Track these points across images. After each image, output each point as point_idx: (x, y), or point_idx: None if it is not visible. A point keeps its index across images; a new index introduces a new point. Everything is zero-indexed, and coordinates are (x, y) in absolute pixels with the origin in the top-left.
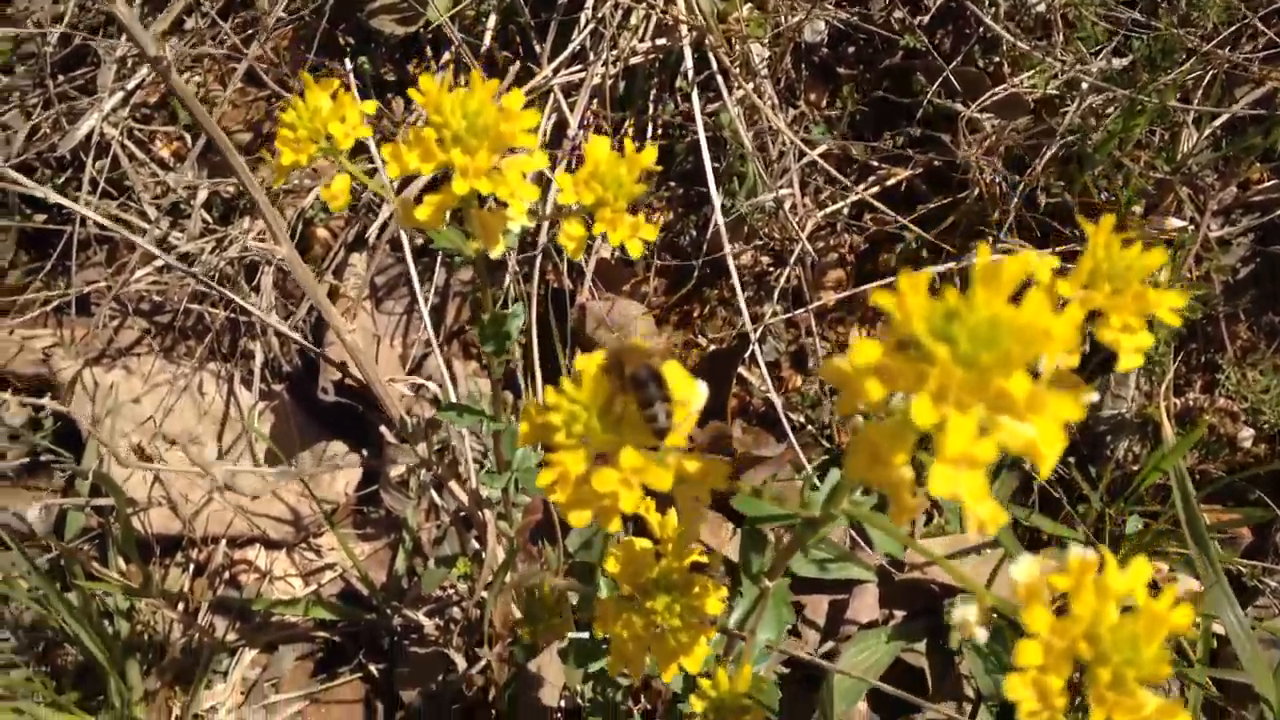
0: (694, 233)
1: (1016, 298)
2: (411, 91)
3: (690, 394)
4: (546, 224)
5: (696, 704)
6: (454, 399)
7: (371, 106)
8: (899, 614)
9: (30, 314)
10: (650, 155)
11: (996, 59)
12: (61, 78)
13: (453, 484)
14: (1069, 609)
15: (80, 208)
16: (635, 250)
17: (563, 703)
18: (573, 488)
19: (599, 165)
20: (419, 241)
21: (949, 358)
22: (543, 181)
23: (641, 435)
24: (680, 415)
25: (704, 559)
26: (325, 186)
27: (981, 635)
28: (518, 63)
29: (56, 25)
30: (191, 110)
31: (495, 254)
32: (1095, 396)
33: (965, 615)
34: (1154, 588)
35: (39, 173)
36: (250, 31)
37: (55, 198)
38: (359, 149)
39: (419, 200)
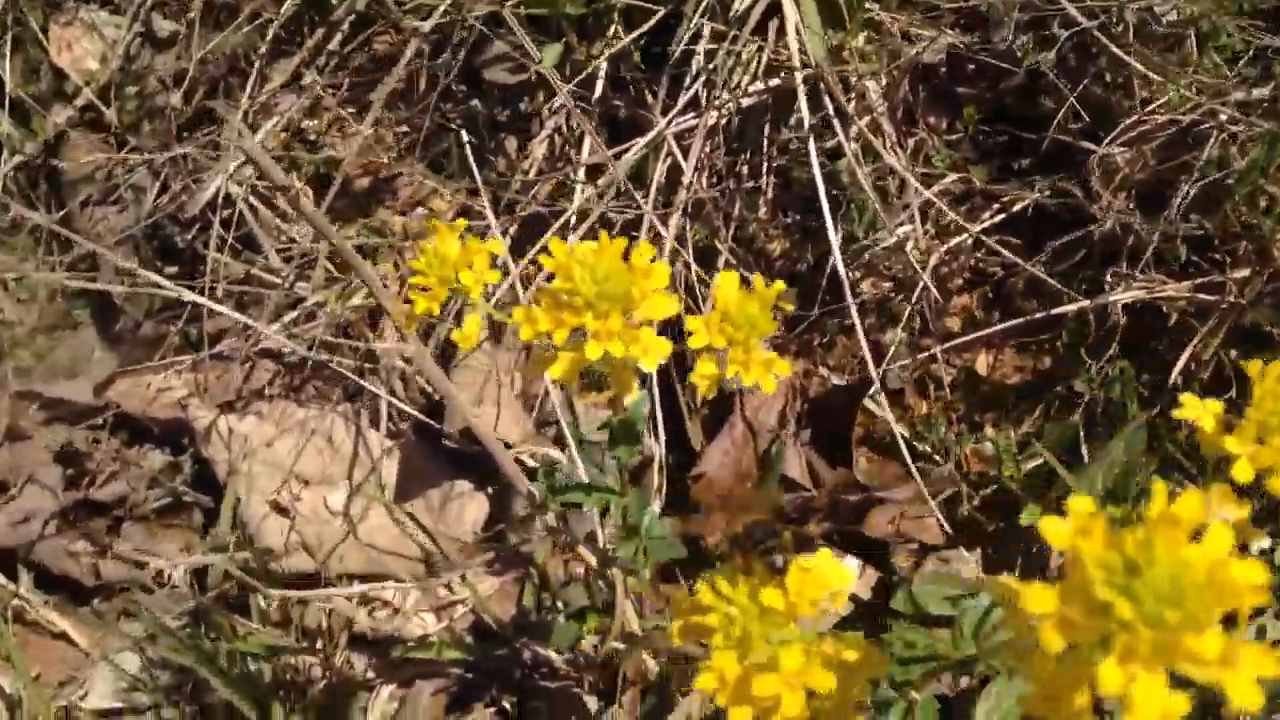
0: (811, 260)
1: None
2: (542, 257)
3: (841, 579)
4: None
5: None
6: (578, 461)
7: (499, 246)
8: None
9: (167, 367)
10: (779, 288)
11: (1126, 72)
12: (186, 135)
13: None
14: None
15: (198, 298)
16: (769, 387)
17: None
18: (733, 688)
19: (729, 306)
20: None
21: (1134, 617)
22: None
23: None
24: (839, 603)
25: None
26: (458, 329)
27: None
28: (628, 108)
29: (179, 84)
30: (320, 229)
31: (629, 400)
32: (1268, 543)
33: None
34: None
35: (168, 229)
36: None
37: (164, 283)
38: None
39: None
